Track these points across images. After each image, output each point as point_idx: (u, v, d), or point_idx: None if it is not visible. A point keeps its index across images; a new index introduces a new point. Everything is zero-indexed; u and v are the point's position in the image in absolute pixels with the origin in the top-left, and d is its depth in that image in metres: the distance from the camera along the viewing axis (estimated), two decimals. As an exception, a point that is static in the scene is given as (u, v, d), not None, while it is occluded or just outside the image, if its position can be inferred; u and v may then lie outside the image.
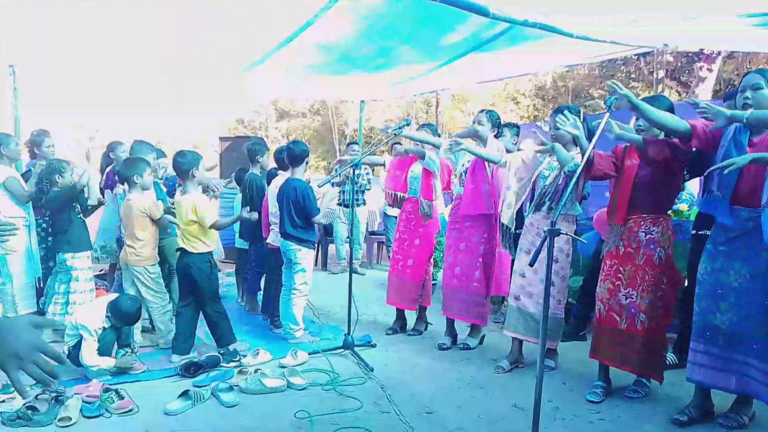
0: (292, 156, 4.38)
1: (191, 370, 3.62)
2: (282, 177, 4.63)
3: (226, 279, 6.44)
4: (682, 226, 4.17)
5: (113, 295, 3.79)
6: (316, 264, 6.72)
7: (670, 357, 3.88)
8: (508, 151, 4.36)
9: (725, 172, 2.64)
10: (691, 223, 3.92)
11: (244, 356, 3.92)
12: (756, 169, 2.77)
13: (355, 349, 4.07)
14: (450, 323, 4.47)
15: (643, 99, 3.37)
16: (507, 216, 3.93)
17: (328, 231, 7.92)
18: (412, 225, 4.67)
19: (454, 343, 4.40)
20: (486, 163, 4.16)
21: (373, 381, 3.60)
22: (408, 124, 4.42)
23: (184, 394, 3.22)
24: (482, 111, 4.37)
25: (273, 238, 4.69)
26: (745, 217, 2.83)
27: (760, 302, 2.81)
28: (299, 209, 4.27)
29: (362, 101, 8.72)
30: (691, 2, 3.95)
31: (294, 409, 3.10)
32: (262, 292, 5.14)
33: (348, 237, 4.69)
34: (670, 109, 3.23)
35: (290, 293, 4.36)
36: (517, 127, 5.48)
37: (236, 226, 5.47)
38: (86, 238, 4.36)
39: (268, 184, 4.89)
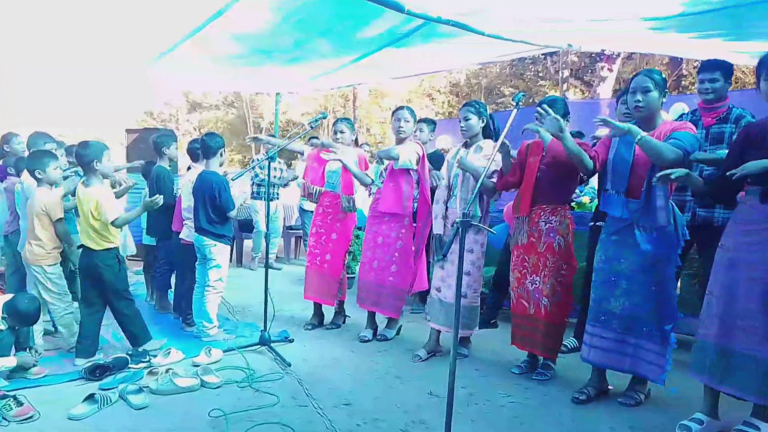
0: (207, 148, 4.26)
1: (97, 372, 3.44)
2: (195, 170, 4.49)
3: (134, 277, 6.17)
4: (585, 217, 4.41)
5: (9, 295, 3.53)
6: (231, 260, 6.58)
7: (571, 342, 4.12)
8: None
9: (669, 179, 2.76)
10: (593, 214, 4.18)
11: (154, 356, 3.78)
12: (644, 165, 3.02)
13: (272, 344, 4.02)
14: (371, 316, 4.51)
15: (543, 100, 3.58)
16: (439, 227, 4.00)
17: (242, 226, 7.79)
18: (329, 219, 4.65)
19: (375, 335, 4.45)
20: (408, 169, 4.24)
21: (291, 376, 3.57)
22: (325, 117, 4.40)
23: (90, 397, 3.06)
24: (402, 107, 4.41)
25: (187, 234, 4.54)
26: (634, 208, 3.08)
27: (649, 287, 3.06)
28: (215, 203, 4.16)
29: (278, 94, 8.59)
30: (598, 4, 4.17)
31: (208, 408, 3.02)
32: (173, 290, 4.96)
33: (266, 232, 4.60)
34: (565, 110, 3.48)
35: (204, 290, 4.24)
36: (434, 123, 5.59)
37: (143, 222, 5.26)
38: None
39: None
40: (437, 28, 4.57)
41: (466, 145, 3.95)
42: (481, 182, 2.80)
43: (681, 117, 3.88)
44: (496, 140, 3.81)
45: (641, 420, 3.01)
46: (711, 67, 3.65)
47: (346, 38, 5.09)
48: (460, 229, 2.41)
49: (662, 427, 2.91)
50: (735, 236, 2.77)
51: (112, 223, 3.66)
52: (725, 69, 3.62)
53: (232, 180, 4.26)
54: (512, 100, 3.07)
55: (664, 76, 3.15)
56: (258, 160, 7.00)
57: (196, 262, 4.39)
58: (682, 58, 11.69)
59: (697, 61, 10.64)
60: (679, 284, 4.46)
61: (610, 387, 3.35)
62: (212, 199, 4.15)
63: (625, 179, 3.11)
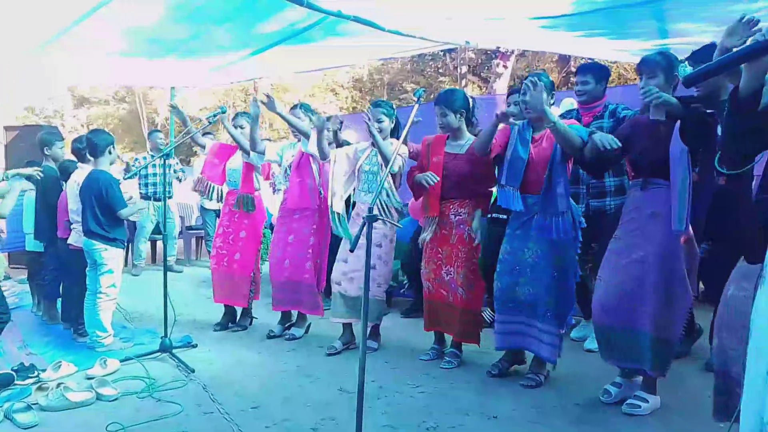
0: (94, 146, 4.00)
1: (-23, 393, 3.15)
2: (83, 170, 4.21)
3: (19, 287, 5.71)
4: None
5: None
6: (126, 264, 6.25)
7: (489, 314, 4.26)
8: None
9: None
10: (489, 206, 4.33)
11: (43, 371, 3.50)
12: (537, 163, 3.22)
13: (174, 351, 3.84)
14: (285, 312, 4.42)
15: (441, 94, 3.71)
16: (338, 204, 3.97)
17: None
18: (236, 218, 4.51)
19: (287, 331, 4.37)
20: (311, 158, 4.18)
21: (195, 382, 3.43)
22: (224, 112, 4.26)
23: (-32, 421, 2.79)
24: (296, 106, 4.38)
25: (75, 238, 4.25)
26: (532, 202, 3.27)
27: (550, 275, 3.24)
28: (104, 204, 3.91)
29: (173, 88, 8.21)
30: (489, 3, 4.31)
31: (106, 422, 2.83)
32: (61, 299, 4.63)
33: (163, 234, 4.37)
34: (464, 103, 3.61)
35: (96, 297, 3.98)
36: (341, 121, 5.58)
37: (29, 226, 4.87)
38: None
39: (64, 177, 4.41)
40: (338, 23, 4.54)
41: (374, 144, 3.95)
42: (386, 174, 2.87)
43: (566, 113, 4.11)
44: (398, 136, 3.86)
45: (542, 400, 3.16)
46: (583, 70, 3.97)
47: (245, 31, 4.94)
48: (367, 224, 2.40)
49: (562, 406, 3.07)
50: (623, 225, 3.03)
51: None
52: (596, 71, 3.90)
53: (124, 179, 4.02)
54: (413, 95, 3.13)
55: (551, 79, 3.34)
56: (142, 157, 6.67)
57: (87, 268, 4.11)
58: (570, 56, 12.37)
59: (584, 58, 11.31)
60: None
61: (522, 365, 3.54)
62: (100, 199, 3.90)
63: (519, 176, 3.28)
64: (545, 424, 2.87)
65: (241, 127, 4.45)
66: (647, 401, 2.92)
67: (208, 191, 4.56)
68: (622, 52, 5.39)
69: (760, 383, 1.54)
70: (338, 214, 3.98)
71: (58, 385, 3.21)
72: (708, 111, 2.76)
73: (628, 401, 2.95)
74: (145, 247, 7.15)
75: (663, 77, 2.84)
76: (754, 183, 4.39)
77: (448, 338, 3.87)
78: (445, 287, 3.68)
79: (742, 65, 1.74)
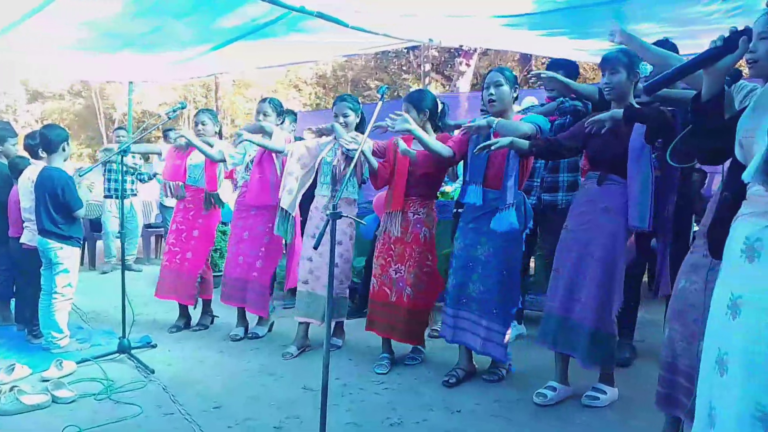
0: (48, 142, 3.87)
1: None
2: (36, 167, 4.07)
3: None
4: (448, 206, 4.60)
5: None
6: (82, 263, 6.11)
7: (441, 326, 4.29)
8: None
9: (490, 149, 3.03)
10: (455, 202, 4.38)
11: (-5, 374, 3.38)
12: (500, 159, 3.23)
13: (133, 351, 3.74)
14: (241, 313, 4.36)
15: (412, 92, 3.70)
16: (288, 201, 3.94)
17: (95, 226, 7.24)
18: (191, 215, 4.43)
19: (247, 333, 4.32)
20: (274, 154, 4.13)
21: (155, 383, 3.35)
22: (183, 107, 4.19)
23: None
24: (265, 100, 4.31)
25: (28, 237, 4.11)
26: (491, 198, 3.28)
27: (499, 273, 3.26)
28: (59, 202, 3.80)
29: (131, 82, 8.03)
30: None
31: (62, 426, 2.75)
32: (15, 299, 4.48)
33: (119, 232, 4.24)
34: (432, 103, 3.60)
35: (51, 297, 3.86)
36: (295, 114, 5.53)
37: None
38: None
39: (14, 175, 4.27)
40: (300, 19, 4.51)
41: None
42: (351, 170, 2.88)
43: (528, 109, 4.17)
44: (363, 131, 3.85)
45: (504, 393, 3.21)
46: (554, 66, 3.99)
47: (205, 26, 4.86)
48: (331, 222, 2.39)
49: (523, 399, 3.11)
50: (574, 217, 3.09)
51: None
52: (566, 69, 3.95)
53: (80, 176, 3.91)
54: (377, 92, 3.12)
55: (515, 73, 3.37)
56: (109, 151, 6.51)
57: (41, 268, 3.98)
58: (531, 55, 12.57)
59: (545, 58, 11.51)
60: (533, 265, 4.82)
61: (475, 364, 3.52)
62: (55, 198, 3.78)
63: (482, 171, 3.30)
64: (507, 417, 2.91)
65: (203, 124, 4.38)
66: (605, 393, 2.99)
67: (179, 191, 4.46)
68: (580, 52, 5.50)
69: (710, 371, 1.60)
70: (286, 211, 3.94)
71: (12, 388, 3.10)
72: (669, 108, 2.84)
73: (586, 393, 3.01)
74: (115, 244, 6.99)
75: (625, 73, 2.90)
76: (707, 180, 4.56)
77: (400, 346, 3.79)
78: (389, 285, 3.62)
79: (702, 71, 1.81)
